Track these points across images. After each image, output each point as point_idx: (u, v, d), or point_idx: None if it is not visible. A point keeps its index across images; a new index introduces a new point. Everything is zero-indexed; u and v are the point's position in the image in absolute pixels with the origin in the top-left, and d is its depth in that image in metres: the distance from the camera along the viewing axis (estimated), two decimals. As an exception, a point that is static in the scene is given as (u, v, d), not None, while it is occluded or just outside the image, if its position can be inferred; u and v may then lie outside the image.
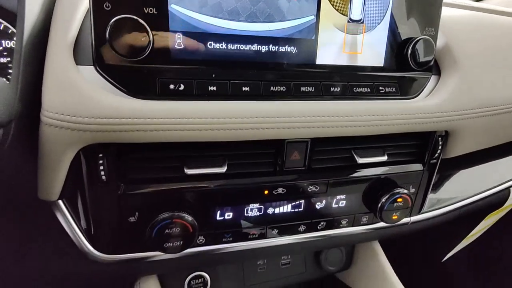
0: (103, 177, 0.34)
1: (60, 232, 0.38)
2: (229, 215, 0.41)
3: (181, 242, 0.37)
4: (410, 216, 0.52)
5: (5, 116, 0.25)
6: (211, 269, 0.49)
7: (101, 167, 0.34)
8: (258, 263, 0.53)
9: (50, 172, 0.33)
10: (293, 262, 0.55)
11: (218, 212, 0.40)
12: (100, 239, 0.38)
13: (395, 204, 0.45)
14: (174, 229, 0.36)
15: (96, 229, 0.37)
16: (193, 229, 0.37)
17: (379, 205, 0.45)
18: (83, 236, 0.38)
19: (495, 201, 0.63)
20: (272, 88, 0.37)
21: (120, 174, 0.35)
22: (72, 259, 0.39)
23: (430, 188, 0.51)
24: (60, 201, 0.36)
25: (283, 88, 0.37)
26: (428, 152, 0.47)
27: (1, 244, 0.38)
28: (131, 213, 0.37)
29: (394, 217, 0.47)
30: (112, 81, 0.32)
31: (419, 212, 0.52)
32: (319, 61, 0.38)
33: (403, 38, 0.41)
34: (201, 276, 0.48)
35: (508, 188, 0.62)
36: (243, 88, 0.36)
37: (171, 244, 0.37)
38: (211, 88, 0.35)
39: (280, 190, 0.41)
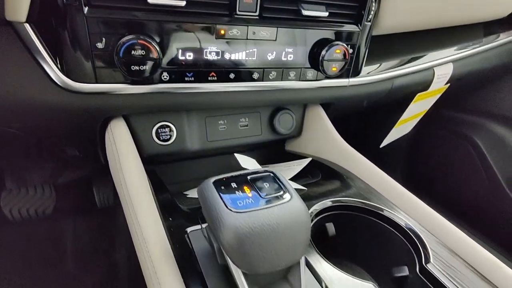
0: (68, -6, 0.37)
1: (28, 59, 0.40)
2: (189, 55, 0.46)
3: (147, 67, 0.42)
4: (348, 78, 0.60)
5: None
6: (176, 121, 0.55)
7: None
8: (219, 122, 0.59)
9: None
10: (250, 125, 0.62)
11: (180, 51, 0.45)
12: (70, 65, 0.41)
13: (334, 55, 0.53)
14: (140, 50, 0.41)
15: (66, 54, 0.40)
16: (158, 55, 0.42)
17: (320, 57, 0.53)
18: (53, 62, 0.41)
19: (421, 81, 0.74)
20: None
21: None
22: (41, 86, 0.42)
23: (366, 51, 0.59)
24: (27, 25, 0.39)
25: None
26: (364, 14, 0.55)
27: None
28: (98, 39, 0.41)
29: (334, 69, 0.55)
30: None
31: (357, 75, 0.61)
32: None
33: None
34: (167, 126, 0.54)
35: (432, 68, 0.73)
36: None
37: (138, 68, 0.42)
38: None
39: (235, 31, 0.47)
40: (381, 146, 0.88)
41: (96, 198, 1.02)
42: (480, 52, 0.85)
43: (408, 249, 0.41)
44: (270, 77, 0.53)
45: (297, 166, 0.61)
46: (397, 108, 0.81)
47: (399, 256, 0.42)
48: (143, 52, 0.41)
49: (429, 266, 0.37)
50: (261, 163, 0.71)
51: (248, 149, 0.67)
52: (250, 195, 0.29)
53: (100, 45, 0.41)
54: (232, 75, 0.50)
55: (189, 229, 0.38)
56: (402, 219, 0.44)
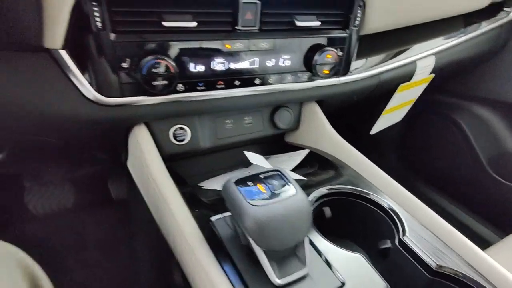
0: (99, 25, 0.43)
1: (63, 80, 0.47)
2: (200, 67, 0.53)
3: (166, 82, 0.49)
4: (339, 77, 0.67)
5: None
6: (190, 123, 0.62)
7: (96, 15, 0.43)
8: (226, 121, 0.67)
9: (54, 15, 0.41)
10: (254, 122, 0.70)
11: (192, 65, 0.52)
12: (99, 82, 0.48)
13: (325, 59, 0.60)
14: (159, 68, 0.48)
15: (96, 74, 0.47)
16: (175, 70, 0.49)
17: (313, 61, 0.60)
18: (85, 81, 0.47)
19: (405, 74, 0.81)
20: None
21: (113, 25, 0.44)
22: (75, 102, 0.49)
23: (354, 53, 0.66)
24: (63, 51, 0.45)
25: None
26: (350, 20, 0.61)
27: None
28: (124, 60, 0.47)
29: (325, 71, 0.62)
30: None
31: (346, 74, 0.68)
32: None
33: None
34: (182, 128, 0.61)
35: (414, 62, 0.80)
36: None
37: (158, 83, 0.49)
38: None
39: (238, 44, 0.53)
40: (371, 133, 0.96)
41: (112, 192, 1.11)
42: (461, 42, 0.92)
43: (390, 225, 0.50)
44: (270, 81, 0.60)
45: (297, 157, 0.69)
46: (385, 99, 0.89)
47: (382, 231, 0.51)
48: (162, 69, 0.48)
49: (405, 239, 0.46)
50: (264, 153, 0.80)
51: (252, 143, 0.74)
52: (264, 191, 0.37)
53: (125, 65, 0.48)
54: (237, 82, 0.57)
55: (213, 218, 0.46)
56: (384, 201, 0.53)
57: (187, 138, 0.62)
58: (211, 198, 0.55)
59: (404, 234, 0.47)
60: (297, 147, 0.77)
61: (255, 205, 0.35)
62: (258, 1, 0.52)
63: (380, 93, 0.84)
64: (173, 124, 0.61)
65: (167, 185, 0.51)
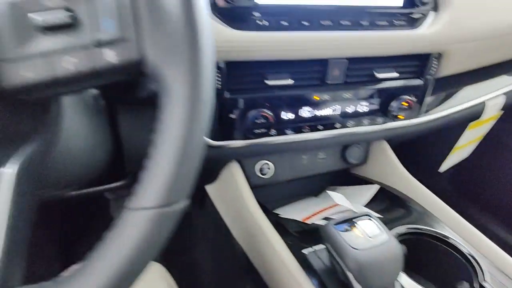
0: (218, 86, 0.53)
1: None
2: (292, 116, 0.61)
3: (265, 129, 0.58)
4: (411, 120, 0.72)
5: None
6: (273, 159, 0.70)
7: (218, 80, 0.53)
8: (303, 156, 0.74)
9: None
10: (326, 157, 0.76)
11: (286, 114, 0.60)
12: (211, 129, 0.58)
13: (401, 105, 0.65)
14: (261, 119, 0.56)
15: (211, 122, 0.57)
16: (273, 119, 0.57)
17: (390, 107, 0.65)
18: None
19: (474, 112, 0.84)
20: (322, 22, 0.55)
21: (228, 85, 0.54)
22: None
23: (427, 97, 0.71)
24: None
25: (330, 23, 0.55)
26: (426, 70, 0.66)
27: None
28: (233, 112, 0.57)
29: (401, 117, 0.67)
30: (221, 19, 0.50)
31: (417, 116, 0.72)
32: (355, 3, 0.56)
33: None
34: (267, 164, 0.70)
35: (483, 102, 0.82)
36: (303, 23, 0.54)
37: (259, 130, 0.57)
38: (284, 23, 0.53)
39: (325, 95, 0.61)
40: (440, 171, 0.98)
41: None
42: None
43: (468, 269, 0.53)
44: (348, 125, 0.67)
45: (367, 192, 0.74)
46: (451, 134, 0.91)
47: (459, 273, 0.55)
48: (263, 119, 0.57)
49: (485, 284, 0.50)
50: (330, 183, 0.86)
51: (322, 174, 0.81)
52: (361, 235, 0.44)
53: (233, 116, 0.57)
54: (320, 127, 0.64)
55: (305, 251, 0.53)
56: (463, 246, 0.57)
57: (271, 173, 0.71)
58: (296, 230, 0.62)
59: (484, 280, 0.51)
60: (362, 180, 0.82)
61: (357, 249, 0.42)
62: (345, 60, 0.59)
63: (447, 130, 0.86)
64: (260, 160, 0.69)
65: (262, 216, 0.59)
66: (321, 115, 0.63)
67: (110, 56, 0.24)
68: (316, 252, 0.53)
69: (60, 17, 0.23)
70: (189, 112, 0.25)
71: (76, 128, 0.37)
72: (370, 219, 0.47)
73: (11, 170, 0.26)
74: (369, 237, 0.44)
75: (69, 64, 0.24)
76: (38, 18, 0.23)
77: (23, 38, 0.23)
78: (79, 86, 0.27)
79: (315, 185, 0.83)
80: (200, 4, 0.26)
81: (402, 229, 0.59)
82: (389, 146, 0.78)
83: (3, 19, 0.23)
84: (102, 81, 0.26)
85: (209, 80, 0.27)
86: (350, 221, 0.46)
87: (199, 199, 1.15)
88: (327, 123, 0.64)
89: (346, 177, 0.86)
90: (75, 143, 0.38)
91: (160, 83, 0.25)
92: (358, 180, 0.84)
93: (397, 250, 0.43)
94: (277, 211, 0.75)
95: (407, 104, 0.65)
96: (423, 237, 0.60)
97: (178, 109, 0.25)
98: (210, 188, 0.82)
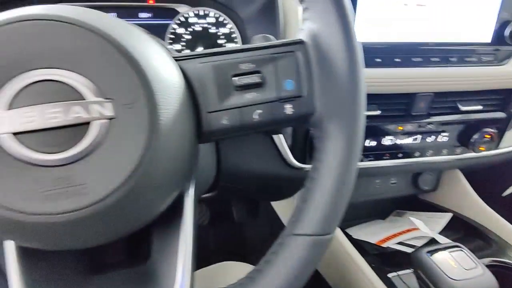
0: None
1: (273, 150, 0.63)
2: (374, 143, 0.64)
3: (351, 156, 0.62)
4: (489, 151, 0.72)
5: None
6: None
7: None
8: (376, 181, 0.77)
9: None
10: (398, 182, 0.79)
11: (369, 142, 0.64)
12: (296, 154, 0.63)
13: (483, 139, 0.67)
14: (350, 147, 0.61)
15: (295, 148, 0.62)
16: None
17: (473, 139, 0.67)
18: (289, 152, 0.63)
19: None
20: (413, 59, 0.59)
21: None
22: (279, 166, 0.65)
23: (508, 130, 0.71)
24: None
25: (421, 59, 0.59)
26: (510, 103, 0.67)
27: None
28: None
29: (482, 149, 0.68)
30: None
31: (496, 147, 0.73)
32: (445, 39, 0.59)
33: (504, 21, 0.60)
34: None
35: None
36: (396, 60, 0.58)
37: (345, 157, 0.62)
38: (378, 60, 0.57)
39: (409, 126, 0.64)
40: (503, 195, 0.96)
41: (234, 214, 1.30)
42: None
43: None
44: (427, 154, 0.69)
45: (440, 219, 0.75)
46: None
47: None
48: (350, 147, 0.61)
49: None
50: (396, 208, 0.87)
51: (390, 198, 0.83)
52: (455, 266, 0.46)
53: (321, 142, 0.62)
54: (400, 155, 0.67)
55: (390, 275, 0.56)
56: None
57: (346, 194, 0.74)
58: (374, 252, 0.65)
59: None
60: (430, 206, 0.83)
61: (454, 279, 0.44)
62: (431, 93, 0.62)
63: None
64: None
65: (340, 233, 0.63)
66: (401, 144, 0.66)
67: (288, 110, 0.30)
68: (399, 276, 0.56)
69: (253, 78, 0.29)
70: (346, 157, 0.30)
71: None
72: (462, 250, 0.49)
73: (192, 190, 0.32)
74: (465, 269, 0.46)
75: (256, 115, 0.30)
76: (237, 79, 0.29)
77: (224, 95, 0.29)
78: (257, 131, 0.33)
79: (381, 208, 0.86)
80: (361, 60, 0.31)
81: (486, 261, 0.60)
82: (462, 175, 0.79)
83: (209, 80, 0.29)
84: (276, 128, 0.32)
85: (362, 129, 0.31)
86: (442, 250, 0.49)
87: (254, 210, 1.21)
88: (407, 151, 0.67)
89: (413, 202, 0.87)
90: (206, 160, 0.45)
91: (323, 130, 0.31)
92: (426, 205, 0.85)
93: (492, 284, 0.45)
94: (349, 230, 0.78)
95: (489, 137, 0.66)
96: (504, 270, 0.61)
97: (337, 154, 0.30)
98: (277, 203, 0.87)
